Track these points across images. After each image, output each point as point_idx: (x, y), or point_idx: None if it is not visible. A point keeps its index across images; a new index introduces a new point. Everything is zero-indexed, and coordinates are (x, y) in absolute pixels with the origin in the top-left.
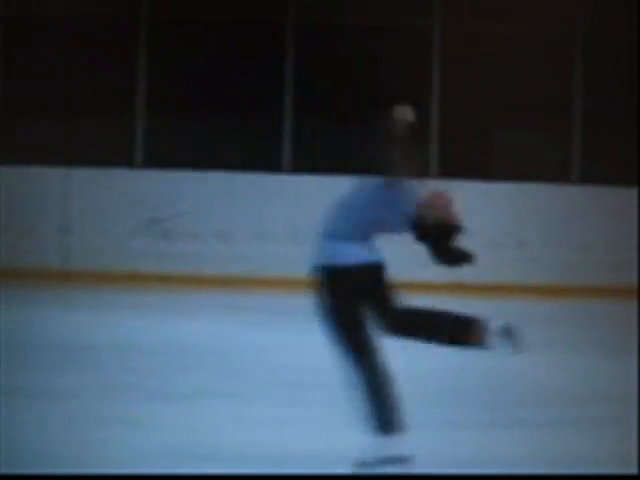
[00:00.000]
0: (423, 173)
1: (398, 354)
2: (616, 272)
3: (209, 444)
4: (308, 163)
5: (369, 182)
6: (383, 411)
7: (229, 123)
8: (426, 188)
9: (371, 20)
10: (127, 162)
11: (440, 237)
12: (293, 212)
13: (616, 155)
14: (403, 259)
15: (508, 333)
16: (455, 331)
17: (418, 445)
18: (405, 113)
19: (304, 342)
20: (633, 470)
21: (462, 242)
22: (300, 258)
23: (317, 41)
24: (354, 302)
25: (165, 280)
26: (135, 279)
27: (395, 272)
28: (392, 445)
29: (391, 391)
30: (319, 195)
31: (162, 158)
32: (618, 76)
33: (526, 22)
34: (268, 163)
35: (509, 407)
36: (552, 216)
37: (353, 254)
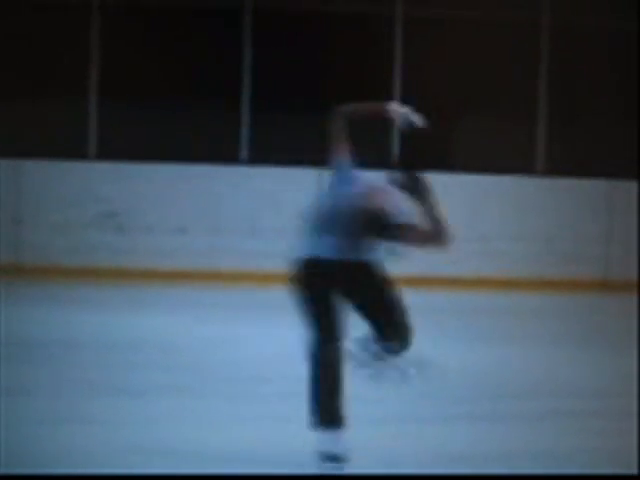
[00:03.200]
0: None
1: None
2: (580, 265)
3: (162, 440)
4: (266, 155)
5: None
6: (327, 404)
7: (185, 114)
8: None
9: (330, 7)
10: (80, 154)
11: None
12: (250, 205)
13: (581, 146)
14: None
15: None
16: None
17: (398, 438)
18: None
19: (260, 336)
20: (633, 470)
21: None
22: (257, 251)
23: (275, 30)
24: (331, 295)
25: (119, 274)
26: (89, 273)
27: None
28: (333, 441)
29: (338, 388)
30: (277, 187)
31: (116, 150)
32: (585, 66)
33: (492, 9)
34: (225, 155)
35: (469, 401)
36: (515, 208)
37: (336, 249)
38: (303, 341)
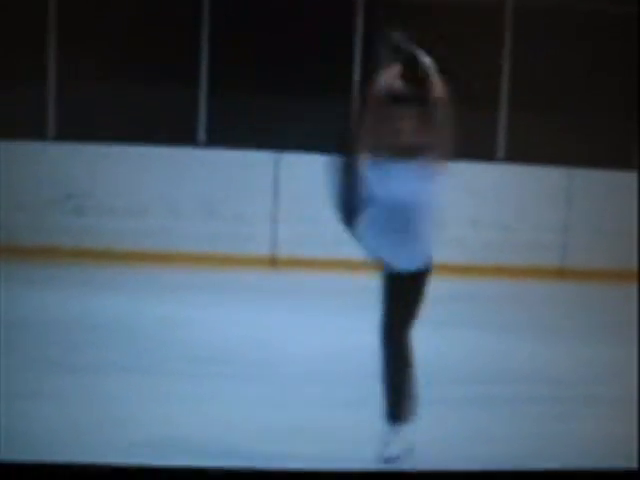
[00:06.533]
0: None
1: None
2: (539, 253)
3: (115, 417)
4: (224, 136)
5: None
6: (399, 399)
7: (142, 94)
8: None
9: None
10: (39, 135)
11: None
12: (209, 187)
13: (543, 133)
14: (310, 235)
15: None
16: None
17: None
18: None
19: (216, 317)
20: (633, 465)
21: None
22: (215, 234)
23: (234, 9)
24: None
25: (79, 255)
26: (47, 253)
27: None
28: (404, 436)
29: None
30: (235, 170)
31: (75, 131)
32: (547, 51)
33: None
34: (183, 137)
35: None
36: (475, 194)
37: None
38: (258, 324)
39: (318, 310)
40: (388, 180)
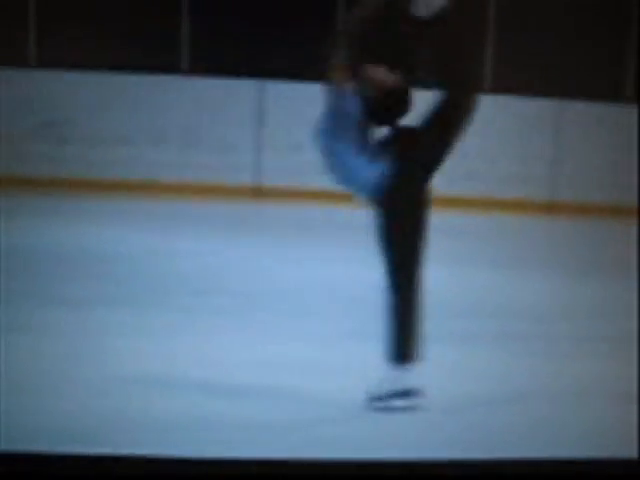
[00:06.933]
0: None
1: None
2: (528, 186)
3: (99, 351)
4: (208, 64)
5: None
6: (404, 338)
7: (124, 22)
8: None
9: None
10: (20, 62)
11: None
12: (191, 115)
13: (531, 64)
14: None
15: None
16: None
17: (355, 355)
18: None
19: (201, 249)
20: (633, 453)
21: None
22: (197, 163)
23: None
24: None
25: (60, 185)
26: (30, 183)
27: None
28: (403, 377)
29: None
30: (218, 98)
31: (56, 58)
32: None
33: None
34: (165, 64)
35: None
36: None
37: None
38: (241, 254)
39: (302, 241)
40: None
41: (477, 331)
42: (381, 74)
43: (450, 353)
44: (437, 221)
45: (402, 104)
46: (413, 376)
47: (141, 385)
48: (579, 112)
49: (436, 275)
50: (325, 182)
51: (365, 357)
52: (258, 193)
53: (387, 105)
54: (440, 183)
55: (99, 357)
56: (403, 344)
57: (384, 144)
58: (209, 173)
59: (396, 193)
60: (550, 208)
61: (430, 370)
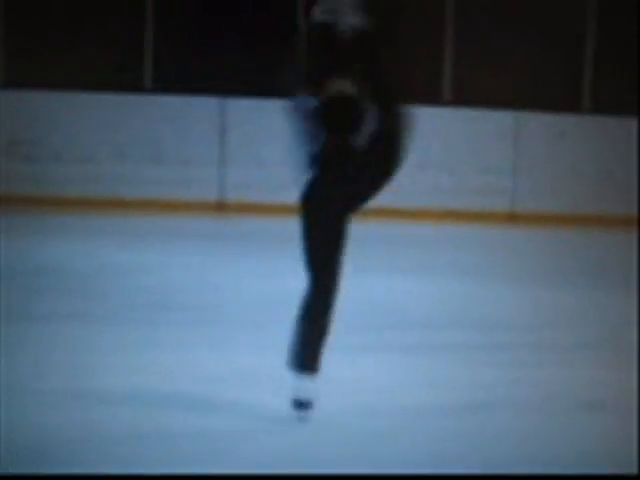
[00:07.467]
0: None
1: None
2: (488, 197)
3: (67, 365)
4: (171, 82)
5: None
6: (311, 344)
7: (90, 43)
8: None
9: None
10: None
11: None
12: (155, 132)
13: (489, 76)
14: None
15: None
16: None
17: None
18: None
19: (165, 263)
20: (633, 470)
21: None
22: (161, 179)
23: None
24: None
25: (28, 203)
26: None
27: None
28: (305, 386)
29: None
30: (182, 115)
31: (22, 78)
32: None
33: None
34: (129, 82)
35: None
36: (421, 138)
37: None
38: (206, 268)
39: (266, 255)
40: None
41: (437, 340)
42: (337, 84)
43: (413, 362)
44: (400, 232)
45: (350, 113)
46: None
47: (103, 398)
48: (538, 123)
49: (400, 285)
50: (287, 196)
51: (336, 368)
52: (221, 208)
53: (336, 112)
54: (403, 196)
55: (66, 372)
56: (303, 353)
57: (319, 153)
58: (173, 189)
59: (312, 203)
60: (511, 218)
61: (390, 379)
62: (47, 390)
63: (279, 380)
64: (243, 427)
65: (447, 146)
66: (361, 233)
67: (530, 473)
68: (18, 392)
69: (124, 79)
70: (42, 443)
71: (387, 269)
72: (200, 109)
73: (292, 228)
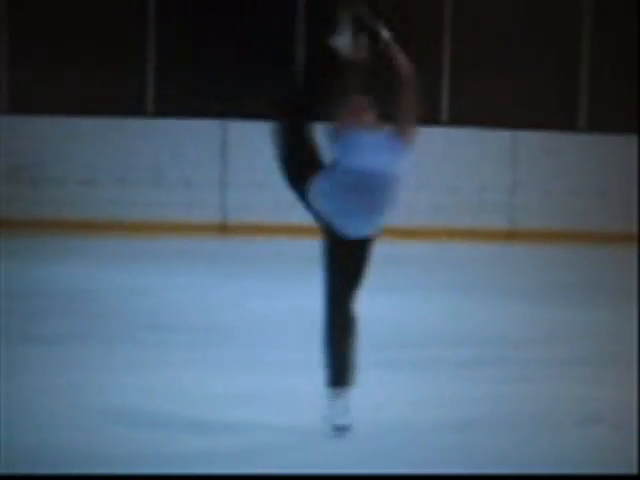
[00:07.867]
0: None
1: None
2: (486, 215)
3: (72, 386)
4: (172, 106)
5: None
6: (341, 366)
7: (92, 68)
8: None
9: None
10: None
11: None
12: (157, 156)
13: (486, 95)
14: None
15: None
16: None
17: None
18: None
19: (164, 285)
20: (633, 470)
21: None
22: (162, 202)
23: None
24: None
25: (31, 226)
26: (1, 225)
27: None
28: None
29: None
30: (183, 139)
31: (26, 103)
32: (489, 15)
33: None
34: (131, 106)
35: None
36: (420, 157)
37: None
38: (208, 289)
39: (269, 275)
40: (354, 148)
41: (439, 357)
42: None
43: (413, 379)
44: (400, 251)
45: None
46: (347, 401)
47: (110, 419)
48: (535, 142)
49: (399, 304)
50: (288, 217)
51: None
52: (223, 229)
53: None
54: (403, 215)
55: (69, 392)
56: (336, 371)
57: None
58: (175, 211)
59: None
60: (509, 236)
61: (392, 395)
62: (47, 409)
63: (282, 398)
64: (248, 446)
65: (445, 165)
66: None
67: (530, 473)
68: (19, 412)
69: (126, 103)
70: (46, 462)
71: (386, 288)
72: (201, 132)
73: (294, 249)
